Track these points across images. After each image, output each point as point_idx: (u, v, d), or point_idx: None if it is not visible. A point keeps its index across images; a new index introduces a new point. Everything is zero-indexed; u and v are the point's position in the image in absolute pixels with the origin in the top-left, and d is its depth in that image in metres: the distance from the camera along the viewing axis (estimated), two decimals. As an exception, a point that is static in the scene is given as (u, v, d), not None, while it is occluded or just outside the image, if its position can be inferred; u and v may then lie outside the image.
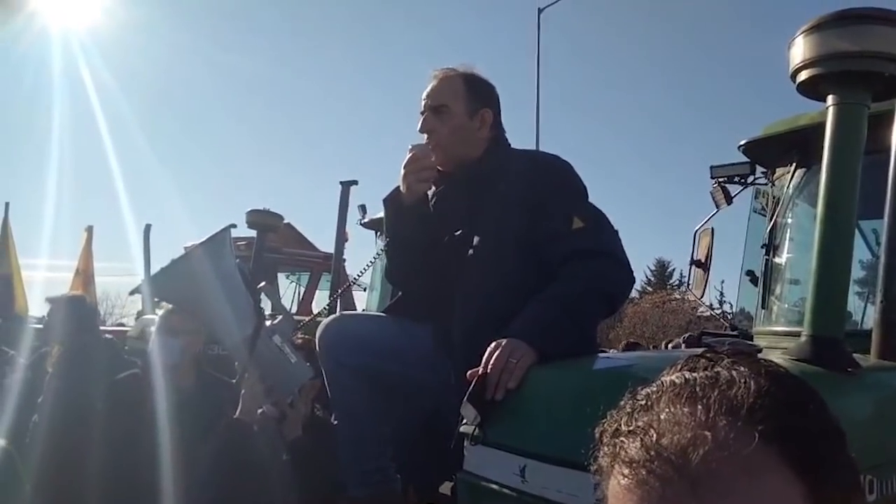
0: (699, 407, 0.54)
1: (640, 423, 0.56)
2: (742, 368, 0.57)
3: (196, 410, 2.31)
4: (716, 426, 0.52)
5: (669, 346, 7.08)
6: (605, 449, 0.59)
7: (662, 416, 0.55)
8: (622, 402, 0.61)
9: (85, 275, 6.67)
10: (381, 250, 2.15)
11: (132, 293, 2.17)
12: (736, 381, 0.55)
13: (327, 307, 3.63)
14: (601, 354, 1.70)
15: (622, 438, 0.57)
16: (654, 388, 0.59)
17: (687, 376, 0.58)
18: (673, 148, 44.08)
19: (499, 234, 1.91)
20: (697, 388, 0.56)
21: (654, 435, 0.54)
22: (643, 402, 0.58)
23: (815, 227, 1.57)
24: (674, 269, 27.27)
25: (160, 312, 2.99)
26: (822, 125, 1.59)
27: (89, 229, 7.06)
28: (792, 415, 0.54)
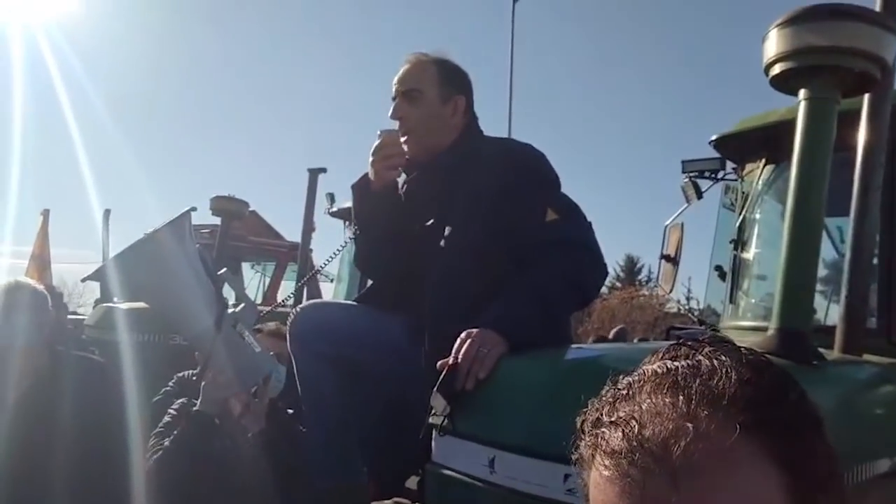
0: (681, 397, 0.53)
1: (621, 414, 0.55)
2: (723, 357, 0.57)
3: (55, 395, 2.22)
4: (697, 417, 0.52)
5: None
6: (587, 439, 0.58)
7: (644, 406, 0.54)
8: (603, 391, 0.60)
9: (40, 259, 6.50)
10: (349, 238, 2.11)
11: (85, 280, 2.04)
12: (717, 371, 0.55)
13: (292, 295, 3.57)
14: (572, 346, 1.69)
15: (604, 429, 0.56)
16: (636, 377, 0.58)
17: (669, 365, 0.57)
18: (644, 143, 44.50)
19: (470, 223, 1.88)
20: (679, 378, 0.55)
21: (636, 426, 0.53)
22: (625, 392, 0.57)
23: (784, 221, 1.58)
24: (642, 265, 27.52)
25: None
26: (791, 122, 1.61)
27: (45, 213, 6.90)
28: (773, 405, 0.54)
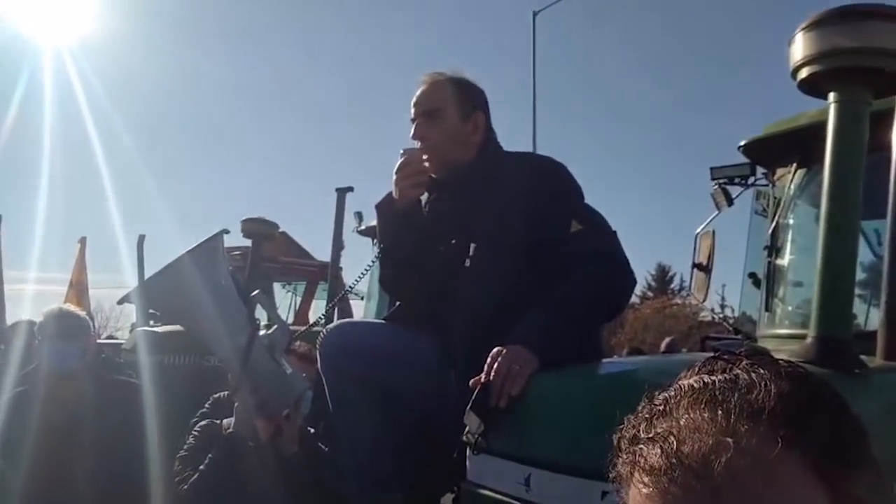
0: (719, 412, 0.53)
1: (659, 430, 0.54)
2: (761, 371, 0.56)
3: (97, 418, 2.27)
4: (737, 432, 0.51)
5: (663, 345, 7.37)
6: (624, 456, 0.57)
7: (682, 422, 0.53)
8: (639, 407, 0.59)
9: (79, 287, 6.65)
10: (376, 257, 2.12)
11: (121, 302, 2.11)
12: (756, 385, 0.54)
13: (323, 316, 3.59)
14: (605, 360, 1.67)
15: (641, 446, 0.55)
16: (672, 393, 0.57)
17: (706, 380, 0.56)
18: (672, 150, 43.98)
19: (495, 239, 1.88)
20: (717, 392, 0.54)
21: (675, 442, 0.52)
22: (661, 408, 0.57)
23: (819, 227, 1.55)
24: (674, 274, 27.09)
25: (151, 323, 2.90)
26: (822, 124, 1.58)
27: (83, 241, 7.06)
28: (814, 418, 0.52)
